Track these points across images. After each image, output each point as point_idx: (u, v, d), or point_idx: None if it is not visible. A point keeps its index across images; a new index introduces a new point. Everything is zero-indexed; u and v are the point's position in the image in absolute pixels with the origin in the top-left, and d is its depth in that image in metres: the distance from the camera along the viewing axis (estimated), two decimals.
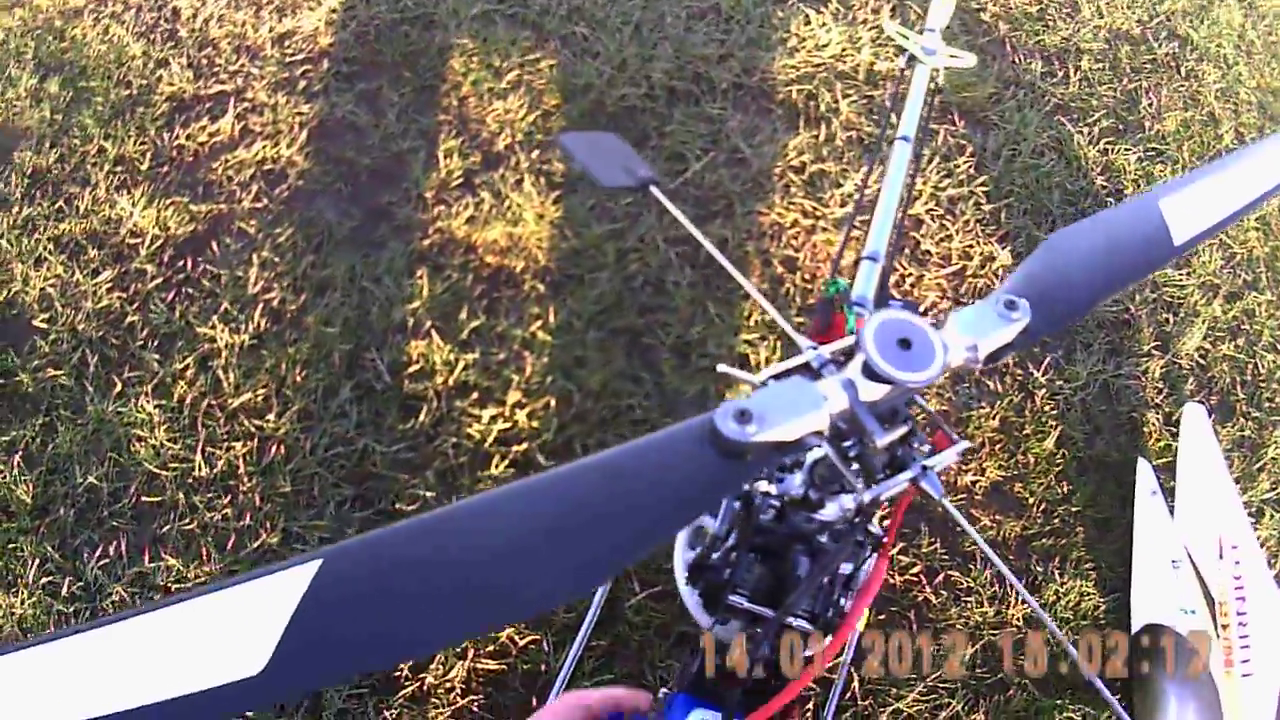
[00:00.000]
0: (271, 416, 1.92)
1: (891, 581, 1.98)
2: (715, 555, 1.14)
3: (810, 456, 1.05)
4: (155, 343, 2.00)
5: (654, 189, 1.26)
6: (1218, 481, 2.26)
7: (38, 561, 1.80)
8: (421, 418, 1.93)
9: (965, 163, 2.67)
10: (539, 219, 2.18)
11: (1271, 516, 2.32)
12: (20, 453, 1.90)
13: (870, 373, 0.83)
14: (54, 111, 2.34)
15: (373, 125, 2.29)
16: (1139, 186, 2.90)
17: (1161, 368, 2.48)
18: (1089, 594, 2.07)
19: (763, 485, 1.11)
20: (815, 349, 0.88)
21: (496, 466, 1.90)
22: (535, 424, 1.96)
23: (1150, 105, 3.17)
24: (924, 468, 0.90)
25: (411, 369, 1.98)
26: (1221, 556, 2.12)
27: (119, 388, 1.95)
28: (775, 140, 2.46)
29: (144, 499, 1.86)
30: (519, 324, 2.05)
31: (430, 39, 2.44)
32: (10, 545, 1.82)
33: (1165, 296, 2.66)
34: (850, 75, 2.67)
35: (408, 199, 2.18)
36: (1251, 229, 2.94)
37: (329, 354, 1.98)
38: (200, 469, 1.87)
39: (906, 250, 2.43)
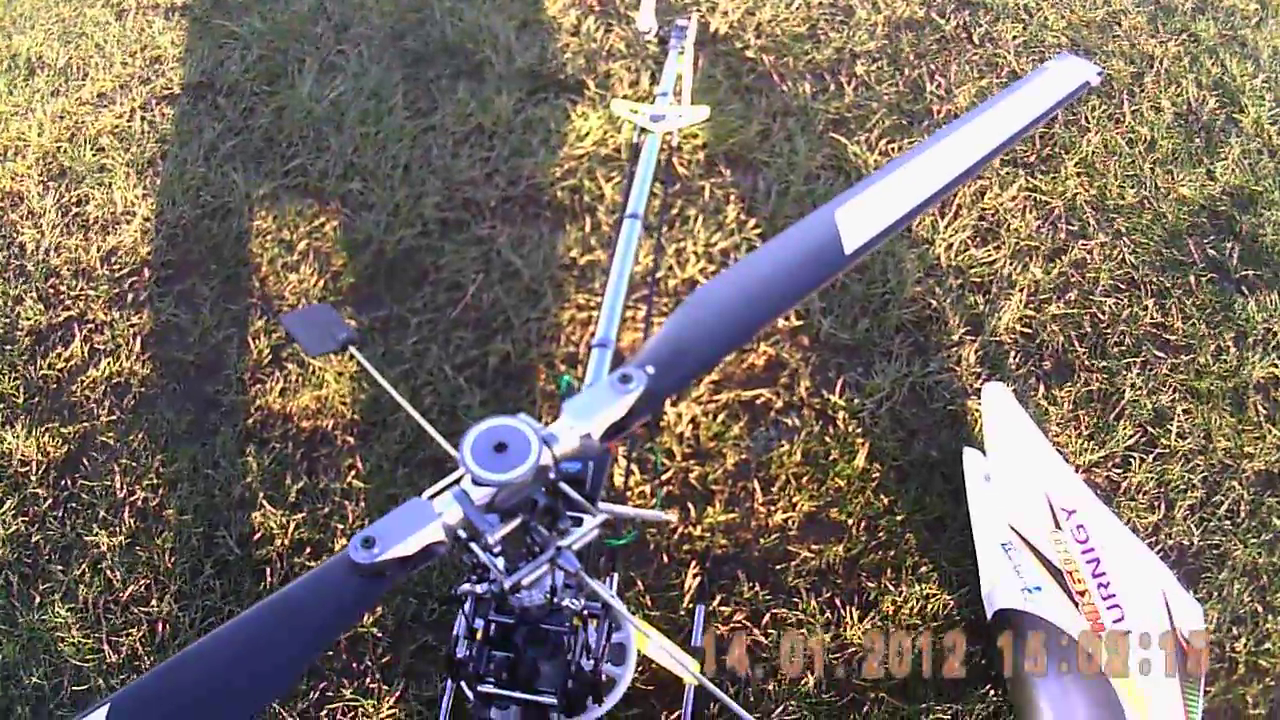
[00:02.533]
0: (155, 602, 2.37)
1: (716, 632, 2.16)
2: (460, 652, 1.37)
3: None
4: (56, 555, 2.46)
5: (352, 348, 1.47)
6: (1036, 453, 2.20)
7: None
8: (269, 579, 2.36)
9: (735, 209, 2.88)
10: (339, 377, 2.55)
11: (1141, 463, 2.34)
12: None
13: (475, 479, 1.01)
14: None
15: (191, 323, 2.67)
16: None
17: (977, 352, 2.54)
18: (934, 595, 2.18)
19: (466, 586, 1.30)
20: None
21: None
22: None
23: (938, 87, 3.23)
24: (559, 548, 1.07)
25: (255, 537, 2.40)
26: (1059, 526, 2.09)
27: (38, 600, 2.42)
28: (545, 244, 2.76)
29: (74, 689, 2.34)
30: (336, 477, 2.45)
31: (229, 227, 2.80)
32: None
33: (972, 279, 2.71)
34: (614, 157, 2.92)
35: (229, 385, 2.57)
36: (1071, 177, 2.99)
37: (189, 539, 2.41)
38: (110, 656, 2.34)
39: None
